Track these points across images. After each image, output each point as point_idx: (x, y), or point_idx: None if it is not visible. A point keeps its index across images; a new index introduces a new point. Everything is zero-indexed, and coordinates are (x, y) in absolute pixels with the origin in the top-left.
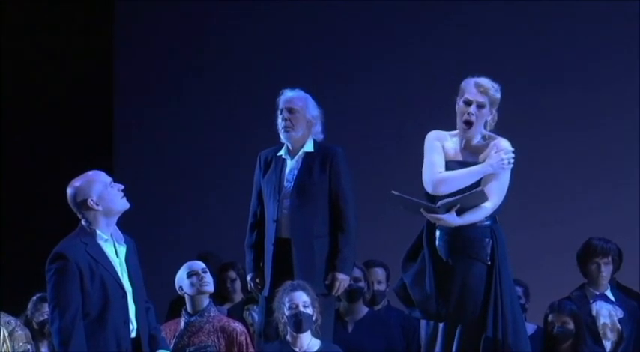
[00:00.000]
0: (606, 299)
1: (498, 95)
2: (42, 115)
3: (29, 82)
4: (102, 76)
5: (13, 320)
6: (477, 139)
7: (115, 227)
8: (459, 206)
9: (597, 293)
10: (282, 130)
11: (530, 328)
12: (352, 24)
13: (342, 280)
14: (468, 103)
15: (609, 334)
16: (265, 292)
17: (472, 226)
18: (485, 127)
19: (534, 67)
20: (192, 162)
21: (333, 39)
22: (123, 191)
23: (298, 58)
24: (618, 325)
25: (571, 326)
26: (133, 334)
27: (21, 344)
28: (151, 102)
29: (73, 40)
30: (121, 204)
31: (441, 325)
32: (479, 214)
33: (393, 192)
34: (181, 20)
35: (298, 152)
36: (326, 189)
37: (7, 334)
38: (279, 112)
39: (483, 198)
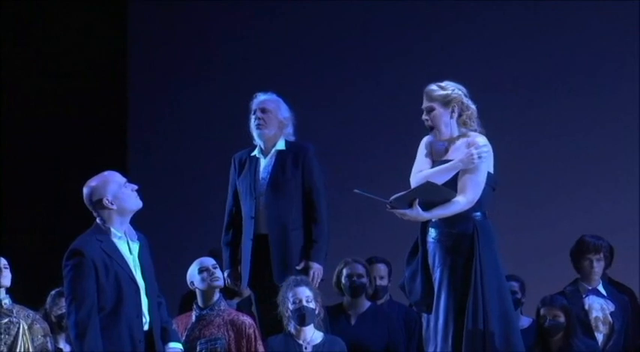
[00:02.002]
0: (598, 294)
1: (444, 92)
2: (58, 116)
3: (43, 82)
4: (116, 76)
5: (32, 314)
6: (456, 138)
7: (129, 225)
8: (417, 200)
9: (590, 288)
10: (255, 128)
11: (526, 321)
12: (349, 27)
13: (317, 269)
14: (423, 110)
15: (601, 327)
16: (244, 286)
17: (458, 221)
18: (461, 124)
19: (533, 67)
20: (204, 162)
21: (335, 44)
22: (137, 191)
23: (311, 60)
24: (610, 318)
25: (562, 319)
26: (146, 327)
27: (39, 336)
28: (163, 103)
29: (87, 40)
30: (135, 204)
31: (431, 318)
32: (450, 208)
33: (355, 190)
34: (196, 20)
35: (271, 151)
36: (299, 184)
37: (26, 327)
38: (252, 113)
39: (438, 190)
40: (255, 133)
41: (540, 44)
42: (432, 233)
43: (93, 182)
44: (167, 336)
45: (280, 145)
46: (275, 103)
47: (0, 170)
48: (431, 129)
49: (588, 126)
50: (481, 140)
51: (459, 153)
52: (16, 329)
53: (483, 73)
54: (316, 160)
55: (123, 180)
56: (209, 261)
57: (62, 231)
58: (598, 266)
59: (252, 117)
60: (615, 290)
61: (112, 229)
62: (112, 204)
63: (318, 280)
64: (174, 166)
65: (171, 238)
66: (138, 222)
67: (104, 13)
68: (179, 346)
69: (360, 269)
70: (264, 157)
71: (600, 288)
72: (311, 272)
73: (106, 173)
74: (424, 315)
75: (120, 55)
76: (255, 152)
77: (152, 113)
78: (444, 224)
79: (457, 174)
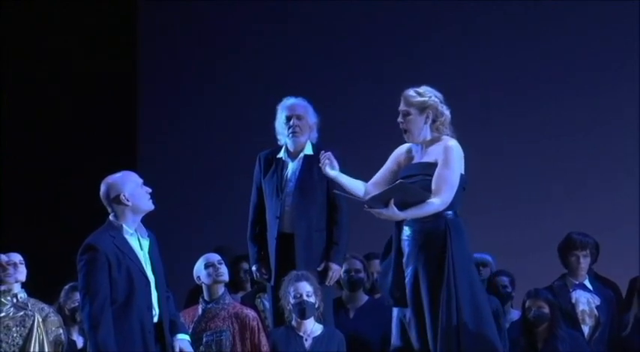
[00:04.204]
0: (585, 288)
1: (422, 98)
2: (71, 116)
3: (54, 84)
4: (126, 79)
5: (46, 307)
6: (429, 141)
7: (140, 223)
8: (392, 200)
9: (577, 282)
10: (291, 135)
11: (516, 315)
12: (355, 28)
13: (336, 270)
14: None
15: (587, 320)
16: (272, 282)
17: (431, 219)
18: (434, 129)
19: (529, 67)
20: (209, 163)
21: (341, 47)
22: (150, 194)
23: (313, 61)
24: (596, 312)
25: (546, 310)
26: (155, 319)
27: (53, 328)
28: (172, 106)
29: (96, 42)
30: (148, 205)
31: (406, 312)
32: (425, 209)
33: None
34: (205, 24)
35: (299, 154)
36: (324, 188)
37: (40, 320)
38: (285, 118)
39: (411, 191)
40: (289, 139)
41: (540, 44)
42: (407, 231)
43: (111, 178)
44: (175, 328)
45: (308, 150)
46: (306, 109)
47: (15, 169)
48: (405, 132)
49: (580, 127)
50: (452, 143)
51: (432, 156)
52: (31, 322)
53: (482, 73)
54: (339, 165)
55: (140, 180)
56: (214, 257)
57: (74, 228)
58: (584, 262)
59: (287, 123)
60: (601, 284)
61: (124, 226)
62: (127, 200)
63: (335, 279)
64: (181, 167)
65: (180, 235)
66: (148, 220)
67: (114, 14)
68: (187, 337)
69: (358, 265)
70: (292, 160)
71: (586, 283)
72: (330, 273)
73: (124, 172)
74: (393, 309)
75: (129, 57)
76: (282, 154)
77: (161, 114)
78: (417, 222)
79: (432, 175)
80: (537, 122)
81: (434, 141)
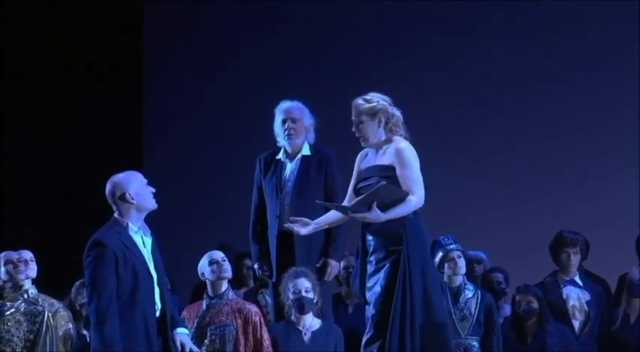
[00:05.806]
0: (575, 284)
1: (370, 104)
2: (79, 117)
3: (56, 84)
4: (130, 79)
5: (56, 303)
6: (383, 142)
7: (143, 222)
8: (375, 203)
9: (567, 278)
10: (287, 137)
11: (510, 310)
12: (355, 29)
13: (334, 266)
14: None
15: (578, 315)
16: (273, 278)
17: (390, 220)
18: (388, 131)
19: (530, 67)
20: (213, 163)
21: (341, 47)
22: (153, 193)
23: (315, 62)
24: (586, 307)
25: (535, 305)
26: (158, 314)
27: (63, 323)
28: (175, 107)
29: (102, 40)
30: (152, 204)
31: (368, 308)
32: (405, 208)
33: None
34: (209, 23)
35: (297, 156)
36: (322, 187)
37: (50, 315)
38: (281, 121)
39: (391, 191)
40: (285, 141)
41: (540, 44)
42: (370, 231)
43: (117, 178)
44: (174, 323)
45: (305, 150)
46: (301, 111)
47: (26, 169)
48: (360, 139)
49: (580, 127)
50: (404, 145)
51: (387, 159)
52: (41, 317)
53: (482, 73)
54: (337, 166)
55: (145, 180)
56: (218, 254)
57: (82, 227)
58: (575, 259)
59: (282, 125)
60: (590, 281)
61: (130, 223)
62: (132, 198)
63: (333, 275)
64: (185, 167)
65: (185, 233)
66: (153, 218)
67: (118, 14)
68: (186, 331)
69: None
70: (290, 161)
71: (577, 279)
72: (328, 269)
73: (130, 171)
74: (367, 306)
75: (134, 58)
76: (281, 156)
77: (164, 115)
78: (380, 223)
79: (388, 177)
80: (537, 122)
81: (387, 141)
